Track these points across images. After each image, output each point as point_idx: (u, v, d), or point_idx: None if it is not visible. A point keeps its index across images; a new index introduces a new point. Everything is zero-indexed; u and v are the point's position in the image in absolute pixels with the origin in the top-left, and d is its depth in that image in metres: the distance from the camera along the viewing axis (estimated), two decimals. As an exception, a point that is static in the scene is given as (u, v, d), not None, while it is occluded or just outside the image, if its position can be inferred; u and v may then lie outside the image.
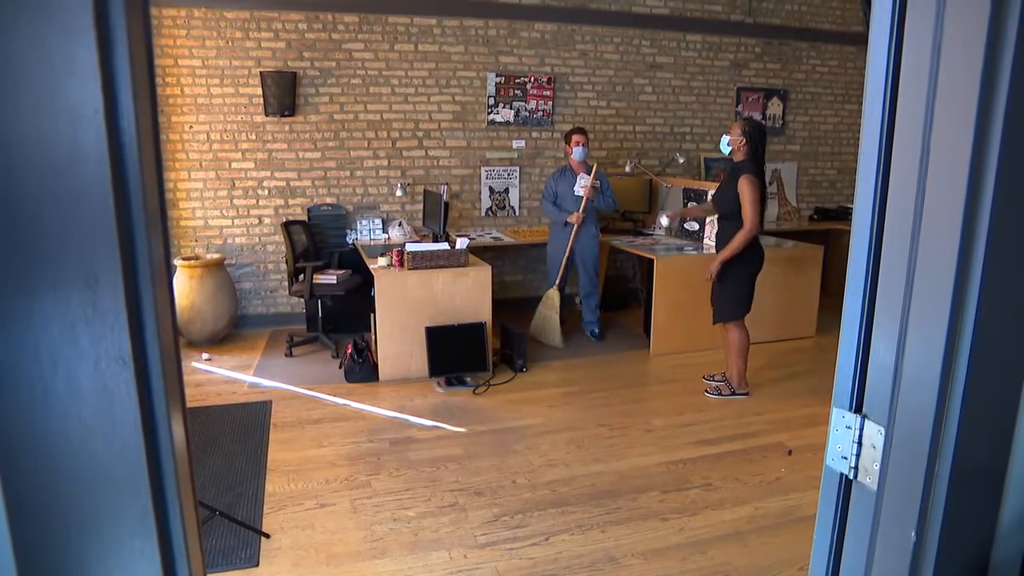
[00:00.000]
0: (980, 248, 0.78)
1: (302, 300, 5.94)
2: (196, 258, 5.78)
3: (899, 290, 0.87)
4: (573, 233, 5.61)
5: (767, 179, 7.60)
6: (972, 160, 0.77)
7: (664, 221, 5.60)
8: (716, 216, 4.78)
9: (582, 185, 5.58)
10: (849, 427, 0.97)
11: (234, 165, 6.06)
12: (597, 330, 6.00)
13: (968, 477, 0.85)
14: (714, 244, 4.86)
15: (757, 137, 4.34)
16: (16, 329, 0.61)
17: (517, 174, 6.80)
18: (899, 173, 0.89)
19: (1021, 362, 0.85)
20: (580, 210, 5.57)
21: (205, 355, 5.51)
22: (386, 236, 6.25)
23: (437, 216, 5.66)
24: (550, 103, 6.75)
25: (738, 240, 4.35)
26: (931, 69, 0.82)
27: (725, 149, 4.46)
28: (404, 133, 6.40)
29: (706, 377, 4.92)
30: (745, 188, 4.28)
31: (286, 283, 6.10)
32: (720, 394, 4.68)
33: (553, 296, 5.73)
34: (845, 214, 7.43)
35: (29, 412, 0.63)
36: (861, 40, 7.51)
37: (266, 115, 6.00)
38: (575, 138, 5.65)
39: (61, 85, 0.58)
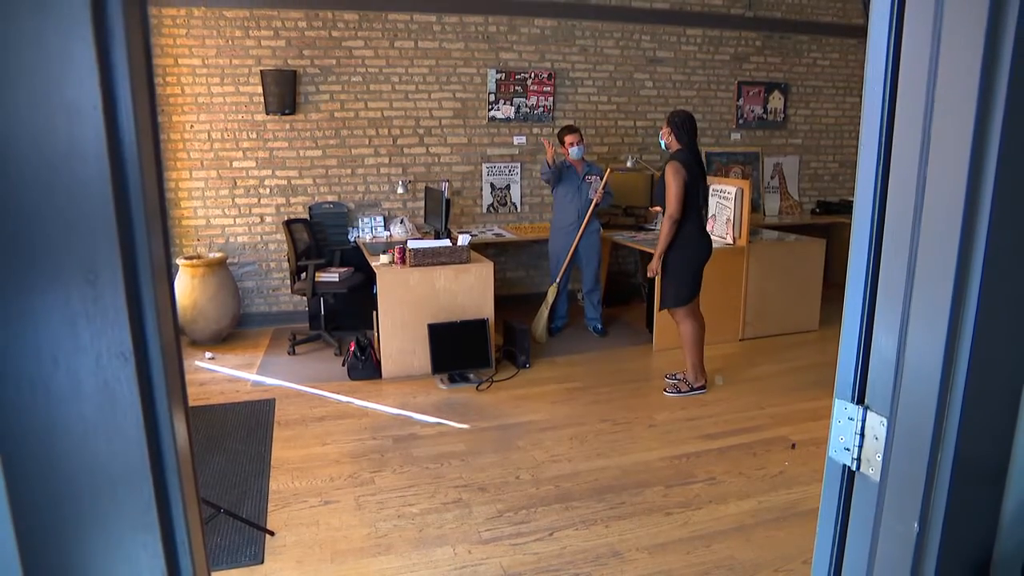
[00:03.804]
0: (981, 239, 0.78)
1: (304, 298, 5.94)
2: (198, 257, 5.78)
3: (900, 280, 0.87)
4: (580, 231, 5.60)
5: (770, 173, 7.65)
6: (973, 150, 0.77)
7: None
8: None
9: (595, 189, 5.58)
10: (851, 418, 0.97)
11: (235, 164, 6.06)
12: (600, 326, 6.00)
13: (971, 468, 0.85)
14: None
15: (683, 125, 4.42)
16: (16, 325, 0.61)
17: (518, 170, 6.80)
18: (900, 164, 0.88)
19: (1023, 353, 0.85)
20: (583, 224, 5.59)
21: (208, 354, 5.52)
22: (388, 233, 6.24)
23: (439, 213, 5.66)
24: (551, 99, 6.74)
25: (663, 229, 4.42)
26: (931, 59, 0.82)
27: (663, 146, 4.58)
28: (405, 130, 6.40)
29: (668, 376, 4.87)
30: (668, 176, 4.35)
31: (288, 281, 6.11)
32: (678, 392, 4.64)
33: (550, 292, 5.74)
34: (847, 207, 7.41)
35: (31, 409, 0.63)
36: (862, 33, 7.46)
37: (267, 114, 6.00)
38: (568, 139, 5.61)
39: (58, 81, 0.58)
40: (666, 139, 4.47)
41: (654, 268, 4.54)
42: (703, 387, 4.66)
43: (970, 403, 0.82)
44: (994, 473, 0.88)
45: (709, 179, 5.58)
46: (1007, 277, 0.80)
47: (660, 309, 4.84)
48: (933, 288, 0.83)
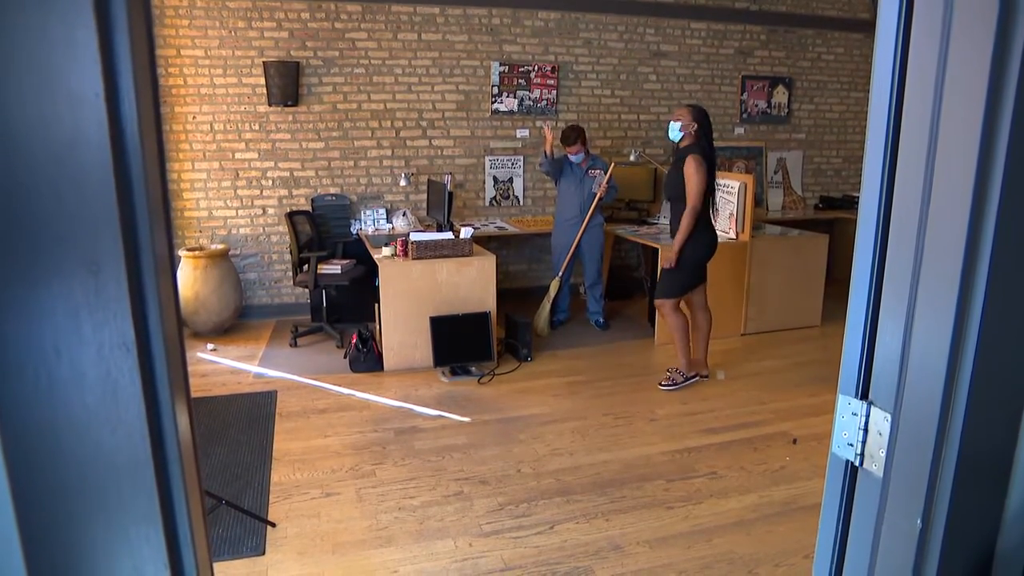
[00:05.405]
0: (988, 235, 0.77)
1: (306, 290, 5.95)
2: (200, 249, 5.79)
3: (906, 276, 0.87)
4: (583, 225, 5.60)
5: (773, 167, 7.63)
6: (981, 146, 0.76)
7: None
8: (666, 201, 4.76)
9: (598, 183, 5.57)
10: (855, 413, 0.97)
11: (238, 155, 6.05)
12: (602, 320, 6.00)
13: (975, 464, 0.85)
14: (668, 228, 4.81)
15: (705, 123, 4.37)
16: (19, 316, 0.61)
17: (521, 163, 6.79)
18: (906, 159, 0.88)
19: (1029, 348, 0.85)
20: (586, 218, 5.59)
21: (210, 345, 5.53)
22: (390, 226, 6.25)
23: (441, 206, 5.66)
24: (554, 92, 6.72)
25: (685, 221, 4.36)
26: (940, 52, 0.81)
27: (676, 135, 4.41)
28: (408, 123, 6.39)
29: (669, 369, 4.83)
30: (691, 168, 4.28)
31: (290, 273, 6.11)
32: (674, 384, 4.62)
33: (552, 286, 5.74)
34: (851, 203, 7.41)
35: (33, 399, 0.63)
36: (867, 27, 7.46)
37: (269, 105, 5.99)
38: (568, 149, 5.59)
39: (62, 69, 0.58)
40: (687, 130, 4.35)
41: (671, 259, 4.47)
42: (696, 376, 4.68)
43: (975, 399, 0.82)
44: (998, 469, 0.88)
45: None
46: (1014, 273, 0.80)
47: (655, 299, 4.82)
48: (939, 284, 0.83)
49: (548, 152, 5.60)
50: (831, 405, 1.01)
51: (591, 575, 2.72)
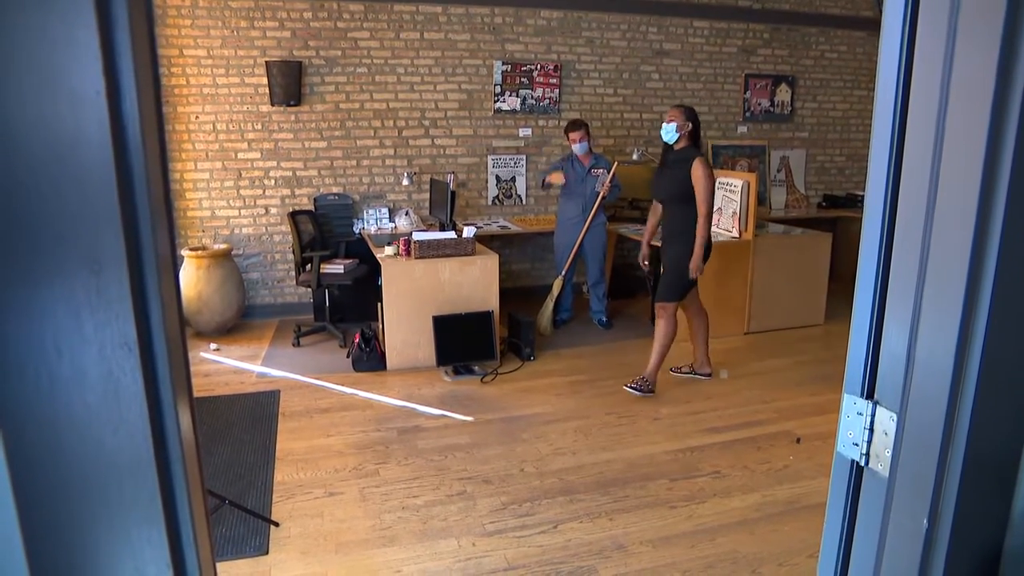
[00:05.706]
0: (995, 233, 0.77)
1: (309, 290, 5.95)
2: (203, 248, 5.79)
3: (912, 274, 0.86)
4: (586, 224, 5.60)
5: (776, 166, 7.62)
6: (988, 144, 0.76)
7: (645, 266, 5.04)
8: (660, 204, 4.63)
9: (601, 182, 5.58)
10: (860, 413, 0.96)
11: (240, 155, 6.06)
12: (604, 319, 5.99)
13: (981, 464, 0.84)
14: (662, 230, 4.64)
15: (696, 122, 4.33)
16: (20, 316, 0.61)
17: (524, 162, 6.78)
18: (912, 157, 0.87)
19: (1036, 347, 0.84)
20: (589, 217, 5.62)
21: (213, 345, 5.53)
22: (393, 225, 6.25)
23: (444, 205, 5.66)
24: (556, 91, 6.71)
25: (701, 228, 4.28)
26: (946, 51, 0.80)
27: (672, 136, 4.32)
28: (410, 122, 6.39)
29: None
30: (700, 172, 4.21)
31: (293, 273, 6.11)
32: (638, 389, 4.49)
33: (555, 285, 5.74)
34: (854, 201, 7.39)
35: (35, 399, 0.62)
36: (871, 25, 7.44)
37: (272, 105, 5.99)
38: (572, 136, 5.60)
39: (63, 68, 0.57)
40: (682, 131, 4.28)
41: (699, 267, 4.36)
42: (652, 391, 4.53)
43: (982, 398, 0.81)
44: (1005, 469, 0.88)
45: (716, 172, 5.52)
46: (1021, 271, 0.79)
47: (654, 302, 4.76)
48: (945, 282, 0.82)
49: (548, 182, 5.79)
50: (835, 404, 1.01)
51: (594, 574, 2.72)
